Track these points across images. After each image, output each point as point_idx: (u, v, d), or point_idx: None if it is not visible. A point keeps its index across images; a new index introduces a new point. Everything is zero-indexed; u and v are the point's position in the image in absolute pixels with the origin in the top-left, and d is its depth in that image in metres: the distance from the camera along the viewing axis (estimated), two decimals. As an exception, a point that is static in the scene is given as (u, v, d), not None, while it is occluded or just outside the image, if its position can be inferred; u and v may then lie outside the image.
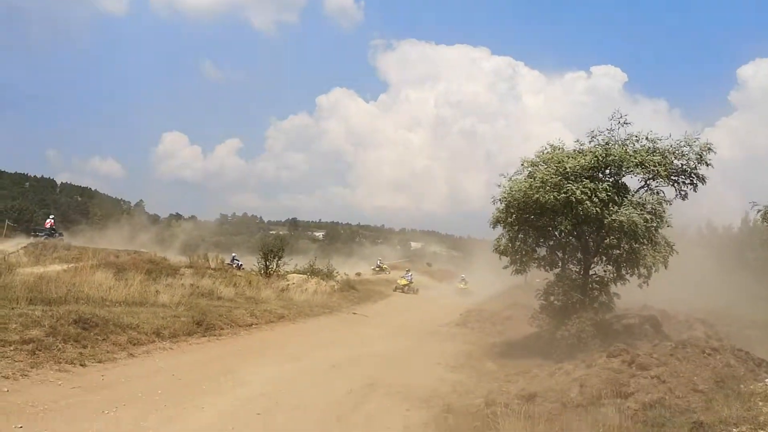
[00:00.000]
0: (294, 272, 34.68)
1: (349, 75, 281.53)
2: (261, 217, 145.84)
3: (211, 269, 28.23)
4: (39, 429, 6.96)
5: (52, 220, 43.89)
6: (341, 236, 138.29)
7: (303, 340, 17.26)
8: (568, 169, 15.42)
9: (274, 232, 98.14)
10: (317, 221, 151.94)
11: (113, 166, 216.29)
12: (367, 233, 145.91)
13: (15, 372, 8.91)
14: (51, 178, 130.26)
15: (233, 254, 48.13)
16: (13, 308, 11.62)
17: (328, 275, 35.25)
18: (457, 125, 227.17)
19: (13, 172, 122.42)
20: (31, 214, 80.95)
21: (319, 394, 10.64)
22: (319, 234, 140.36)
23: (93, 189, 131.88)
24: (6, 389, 8.23)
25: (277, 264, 33.45)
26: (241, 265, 43.71)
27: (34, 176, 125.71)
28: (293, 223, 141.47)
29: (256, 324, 18.26)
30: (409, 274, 49.16)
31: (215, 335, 15.29)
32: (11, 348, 9.65)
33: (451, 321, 27.27)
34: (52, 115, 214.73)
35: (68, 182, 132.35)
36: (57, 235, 41.89)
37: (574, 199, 14.96)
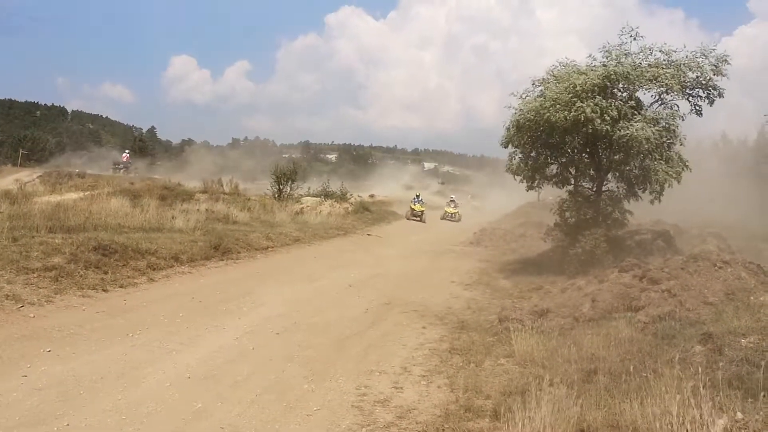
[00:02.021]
0: (308, 195, 34.84)
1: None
2: (273, 141, 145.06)
3: (225, 194, 28.42)
4: (67, 352, 7.20)
5: (128, 155, 45.87)
6: (354, 158, 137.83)
7: (318, 261, 17.50)
8: (578, 87, 15.11)
9: (287, 156, 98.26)
10: (330, 143, 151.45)
11: (123, 92, 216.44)
12: (380, 154, 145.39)
13: (40, 298, 9.17)
14: (62, 106, 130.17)
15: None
16: (33, 236, 11.81)
17: (342, 197, 35.39)
18: (468, 42, 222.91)
19: (23, 101, 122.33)
20: (44, 143, 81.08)
21: (336, 314, 10.87)
22: (332, 156, 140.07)
23: (104, 116, 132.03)
24: (32, 315, 8.48)
25: (290, 187, 33.57)
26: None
27: (45, 104, 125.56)
28: (306, 146, 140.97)
29: (272, 247, 18.50)
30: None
31: (232, 258, 15.53)
32: (35, 275, 9.89)
33: (465, 240, 27.53)
34: (59, 40, 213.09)
35: (79, 110, 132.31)
36: (132, 168, 43.52)
37: (583, 117, 14.72)
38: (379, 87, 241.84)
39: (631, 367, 6.33)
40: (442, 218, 39.97)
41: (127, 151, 49.56)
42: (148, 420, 5.65)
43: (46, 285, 9.71)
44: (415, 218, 37.02)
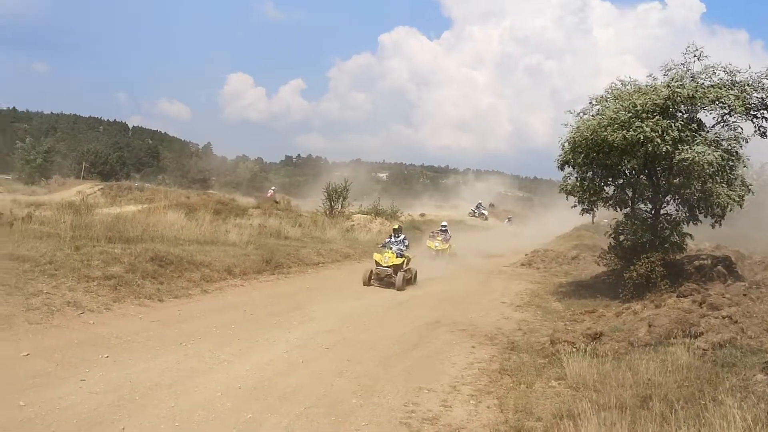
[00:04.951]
0: (358, 212, 35.05)
1: (412, 12, 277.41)
2: (326, 158, 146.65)
3: (278, 210, 28.82)
4: (124, 359, 7.38)
5: (273, 191, 49.81)
6: (405, 177, 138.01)
7: (368, 278, 17.51)
8: (639, 107, 14.75)
9: (338, 174, 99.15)
10: (381, 162, 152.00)
11: (181, 109, 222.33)
12: (431, 174, 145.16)
13: (99, 306, 9.48)
14: (123, 121, 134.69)
15: (479, 201, 54.60)
16: (94, 246, 12.20)
17: (392, 215, 35.49)
18: (522, 62, 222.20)
19: (87, 116, 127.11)
20: (105, 157, 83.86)
21: (385, 331, 10.86)
22: (383, 175, 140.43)
23: (163, 132, 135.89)
24: (92, 321, 8.76)
25: (341, 204, 33.85)
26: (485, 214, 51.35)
27: (107, 120, 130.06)
28: (357, 164, 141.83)
29: (323, 263, 18.67)
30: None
31: (284, 273, 15.74)
32: (95, 283, 10.21)
33: (517, 261, 27.20)
34: (120, 58, 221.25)
35: (139, 126, 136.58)
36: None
37: (643, 137, 14.35)
38: (431, 106, 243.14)
39: (689, 395, 6.14)
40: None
41: (273, 188, 54.22)
42: (199, 428, 5.73)
43: (105, 293, 10.02)
44: (382, 276, 16.97)
